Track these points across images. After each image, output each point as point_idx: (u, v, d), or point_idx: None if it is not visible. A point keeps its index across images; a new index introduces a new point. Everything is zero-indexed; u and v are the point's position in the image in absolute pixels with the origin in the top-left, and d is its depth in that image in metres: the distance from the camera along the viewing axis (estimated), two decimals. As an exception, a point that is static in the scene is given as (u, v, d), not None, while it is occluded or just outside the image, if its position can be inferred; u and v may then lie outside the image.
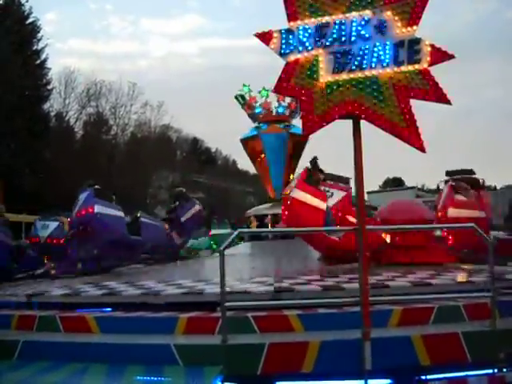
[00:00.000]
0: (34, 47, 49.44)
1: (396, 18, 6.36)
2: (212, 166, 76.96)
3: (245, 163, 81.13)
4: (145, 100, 59.43)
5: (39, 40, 49.80)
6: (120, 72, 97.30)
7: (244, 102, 18.33)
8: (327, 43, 6.27)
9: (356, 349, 6.17)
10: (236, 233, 6.65)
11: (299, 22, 6.30)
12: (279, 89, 6.36)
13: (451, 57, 6.39)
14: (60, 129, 53.97)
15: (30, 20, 49.43)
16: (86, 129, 57.71)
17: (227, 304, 6.36)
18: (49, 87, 51.32)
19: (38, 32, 50.04)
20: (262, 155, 18.05)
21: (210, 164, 78.15)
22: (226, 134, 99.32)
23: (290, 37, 6.28)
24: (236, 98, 18.55)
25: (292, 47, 6.27)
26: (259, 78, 19.36)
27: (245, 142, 18.44)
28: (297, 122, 18.05)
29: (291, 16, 6.32)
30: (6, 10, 46.40)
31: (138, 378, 6.18)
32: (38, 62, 49.49)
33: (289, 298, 7.85)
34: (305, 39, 6.27)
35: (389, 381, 6.48)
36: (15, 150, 40.24)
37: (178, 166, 67.10)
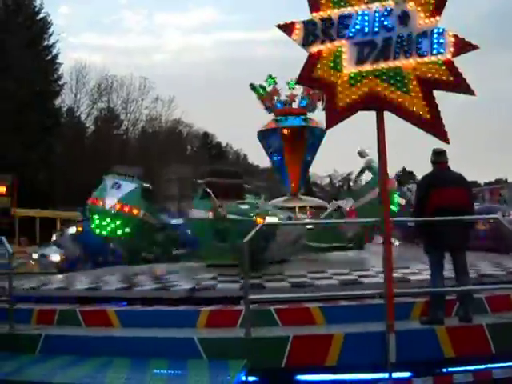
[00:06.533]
0: (46, 42, 49.30)
1: (419, 8, 6.31)
2: (223, 161, 76.80)
3: (255, 158, 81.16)
4: (156, 95, 59.40)
5: (50, 35, 49.71)
6: (133, 66, 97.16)
7: (264, 93, 18.03)
8: (350, 34, 6.23)
9: (380, 341, 6.15)
10: (259, 226, 6.61)
11: (322, 13, 6.26)
12: (302, 80, 6.32)
13: (475, 47, 6.33)
14: (71, 124, 53.97)
15: (41, 15, 49.42)
16: (97, 124, 57.71)
17: (251, 297, 6.33)
18: (60, 82, 51.34)
19: (50, 27, 49.93)
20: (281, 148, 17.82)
21: (221, 158, 77.97)
22: (236, 129, 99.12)
23: (313, 28, 6.23)
24: (253, 87, 18.22)
25: (315, 38, 6.23)
26: (272, 71, 19.11)
27: (262, 135, 18.20)
28: (312, 115, 17.89)
29: (314, 7, 6.28)
30: (17, 6, 46.47)
31: (162, 371, 6.16)
32: (50, 57, 49.41)
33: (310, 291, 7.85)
34: (328, 30, 6.22)
35: (409, 373, 6.44)
36: (28, 145, 40.32)
37: (189, 160, 67.00)
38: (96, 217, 12.31)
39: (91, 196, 12.56)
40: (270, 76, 18.16)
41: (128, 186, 12.51)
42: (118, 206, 12.08)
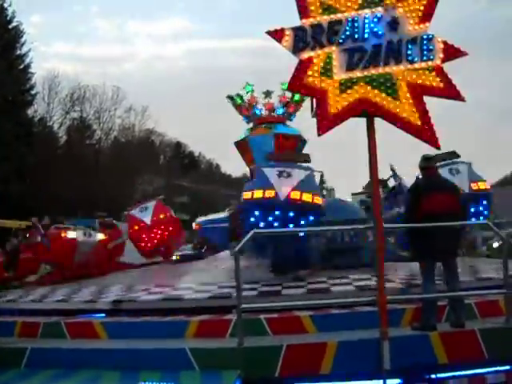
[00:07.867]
0: (18, 52, 48.65)
1: (408, 15, 6.34)
2: (195, 170, 76.71)
3: (228, 167, 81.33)
4: (129, 104, 59.04)
5: (23, 44, 49.19)
6: (105, 75, 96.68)
7: (241, 102, 17.97)
8: (340, 40, 6.22)
9: (374, 349, 6.10)
10: (251, 233, 6.52)
11: (312, 20, 6.24)
12: (292, 87, 6.28)
13: (464, 54, 6.37)
14: (44, 134, 53.31)
15: (14, 24, 48.84)
16: (69, 133, 57.11)
17: (243, 306, 6.24)
18: (32, 92, 50.75)
19: (22, 36, 49.36)
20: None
21: (194, 168, 77.83)
22: (209, 138, 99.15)
23: (303, 34, 6.20)
24: (230, 97, 18.13)
25: (305, 45, 6.20)
26: (245, 80, 19.05)
27: (237, 144, 18.14)
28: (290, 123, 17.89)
29: (303, 13, 6.25)
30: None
31: None
32: (22, 66, 48.82)
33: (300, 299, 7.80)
34: (318, 36, 6.20)
35: (398, 380, 6.41)
36: (1, 156, 39.70)
37: (162, 170, 66.62)
38: None
39: None
40: (248, 84, 18.09)
41: None
42: None
